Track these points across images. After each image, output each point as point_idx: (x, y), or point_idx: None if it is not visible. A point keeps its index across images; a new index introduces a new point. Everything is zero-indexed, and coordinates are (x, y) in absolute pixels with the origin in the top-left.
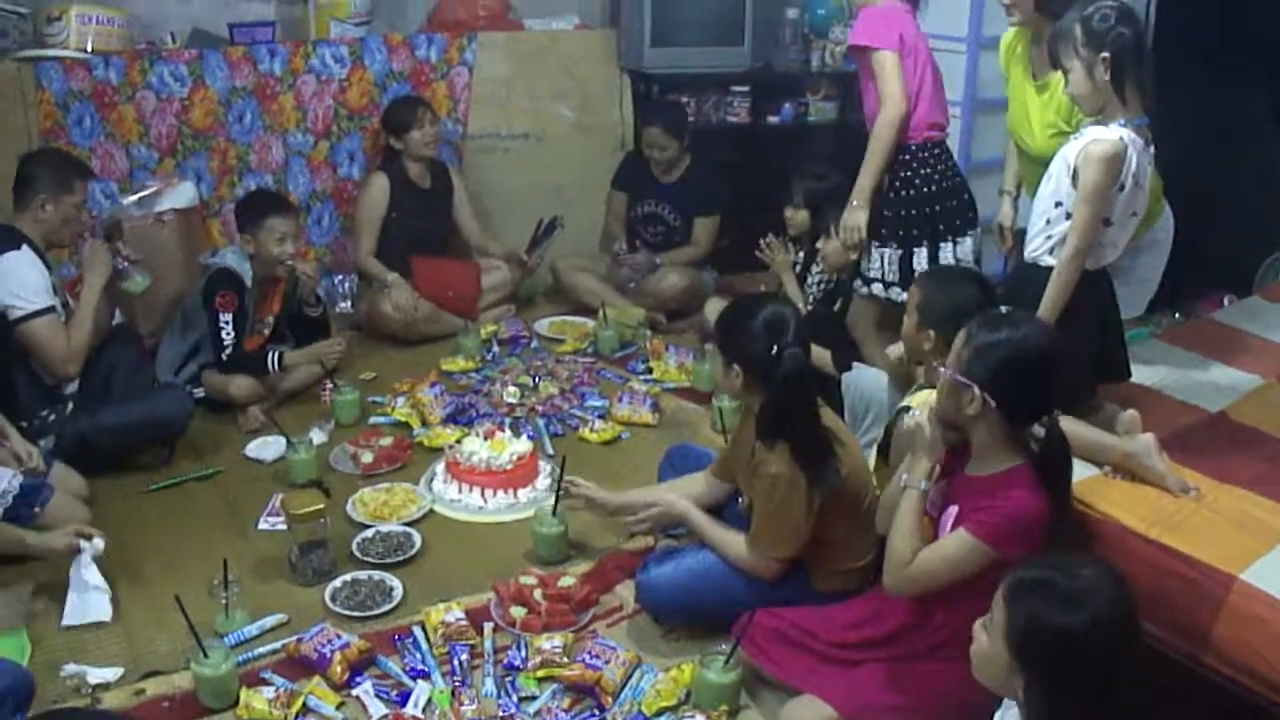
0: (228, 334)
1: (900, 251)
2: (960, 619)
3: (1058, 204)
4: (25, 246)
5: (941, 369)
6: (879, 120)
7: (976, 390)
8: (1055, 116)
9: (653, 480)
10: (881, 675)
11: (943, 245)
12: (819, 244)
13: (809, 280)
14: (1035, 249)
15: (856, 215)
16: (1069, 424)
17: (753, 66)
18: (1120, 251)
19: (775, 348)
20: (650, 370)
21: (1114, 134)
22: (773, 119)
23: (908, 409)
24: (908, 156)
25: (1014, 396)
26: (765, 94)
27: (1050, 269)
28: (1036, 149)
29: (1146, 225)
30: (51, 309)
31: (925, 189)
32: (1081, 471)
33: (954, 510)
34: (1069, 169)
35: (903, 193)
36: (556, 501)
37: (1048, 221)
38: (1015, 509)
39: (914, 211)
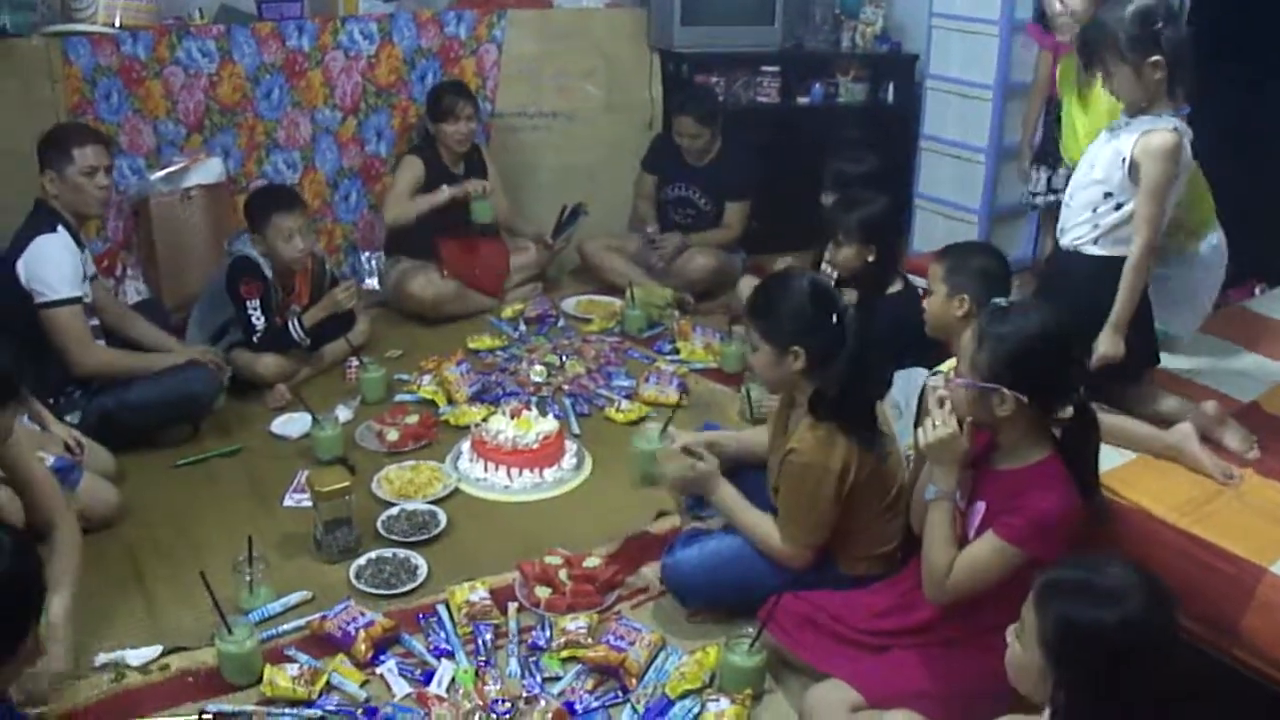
0: (258, 318)
1: (1049, 173)
2: (992, 612)
3: (1107, 194)
4: (61, 228)
5: (957, 381)
6: None
7: (1006, 391)
8: (1097, 121)
9: None
10: (910, 661)
11: None
12: (827, 254)
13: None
14: (1079, 237)
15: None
16: (1110, 418)
17: (783, 46)
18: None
19: (835, 316)
20: (677, 351)
21: (1168, 125)
22: (803, 99)
23: (938, 374)
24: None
25: (1041, 384)
26: (796, 74)
27: (1094, 258)
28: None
29: (1192, 237)
30: (76, 300)
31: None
32: (1113, 459)
33: (982, 506)
34: (1123, 161)
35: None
36: (666, 425)
37: (1094, 210)
38: (1044, 510)
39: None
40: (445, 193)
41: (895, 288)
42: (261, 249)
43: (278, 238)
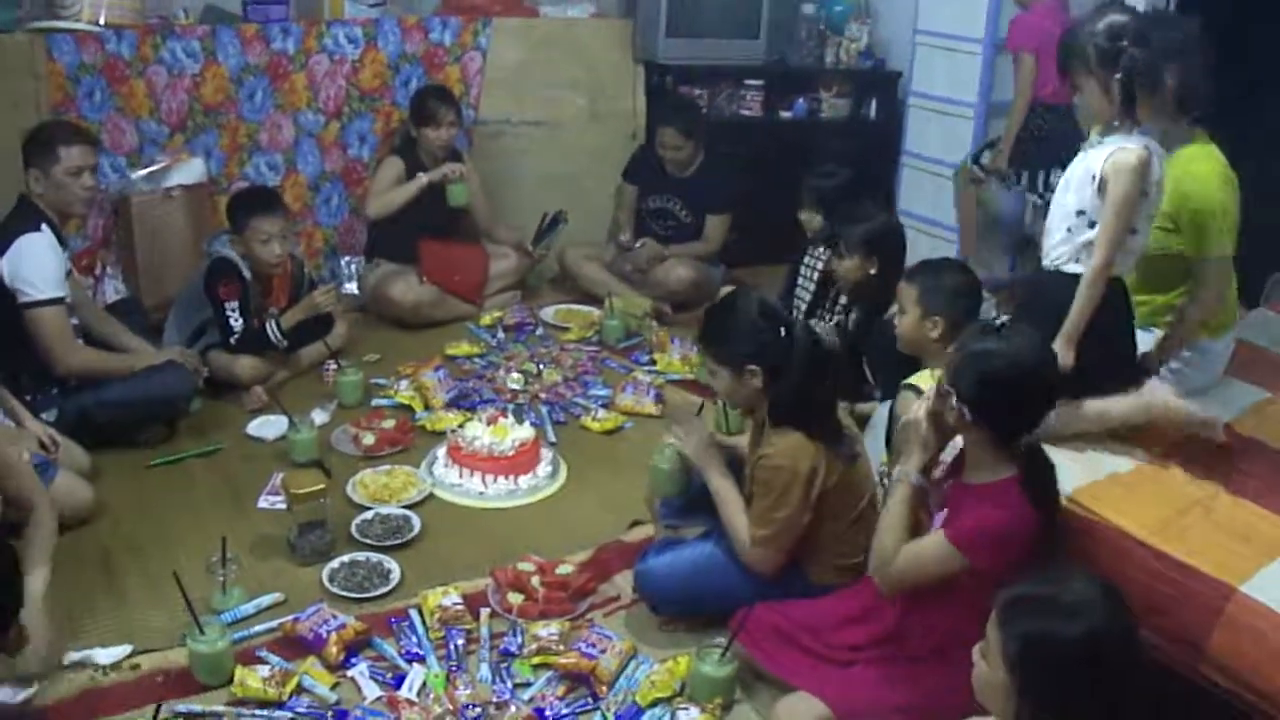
0: (235, 320)
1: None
2: (954, 622)
3: (1080, 212)
4: (45, 227)
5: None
6: None
7: (954, 401)
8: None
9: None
10: (877, 675)
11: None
12: (831, 262)
13: (835, 307)
14: (1058, 256)
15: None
16: (1096, 403)
17: (767, 61)
18: (1136, 258)
19: (783, 330)
20: (654, 361)
21: (1138, 143)
22: (785, 114)
23: (911, 387)
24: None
25: (995, 411)
26: (779, 89)
27: (1074, 276)
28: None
29: (1218, 331)
30: (59, 300)
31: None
32: (1085, 475)
33: (945, 513)
34: (1094, 178)
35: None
36: (700, 409)
37: (1069, 230)
38: (991, 521)
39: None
40: (423, 179)
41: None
42: (241, 250)
43: (254, 240)
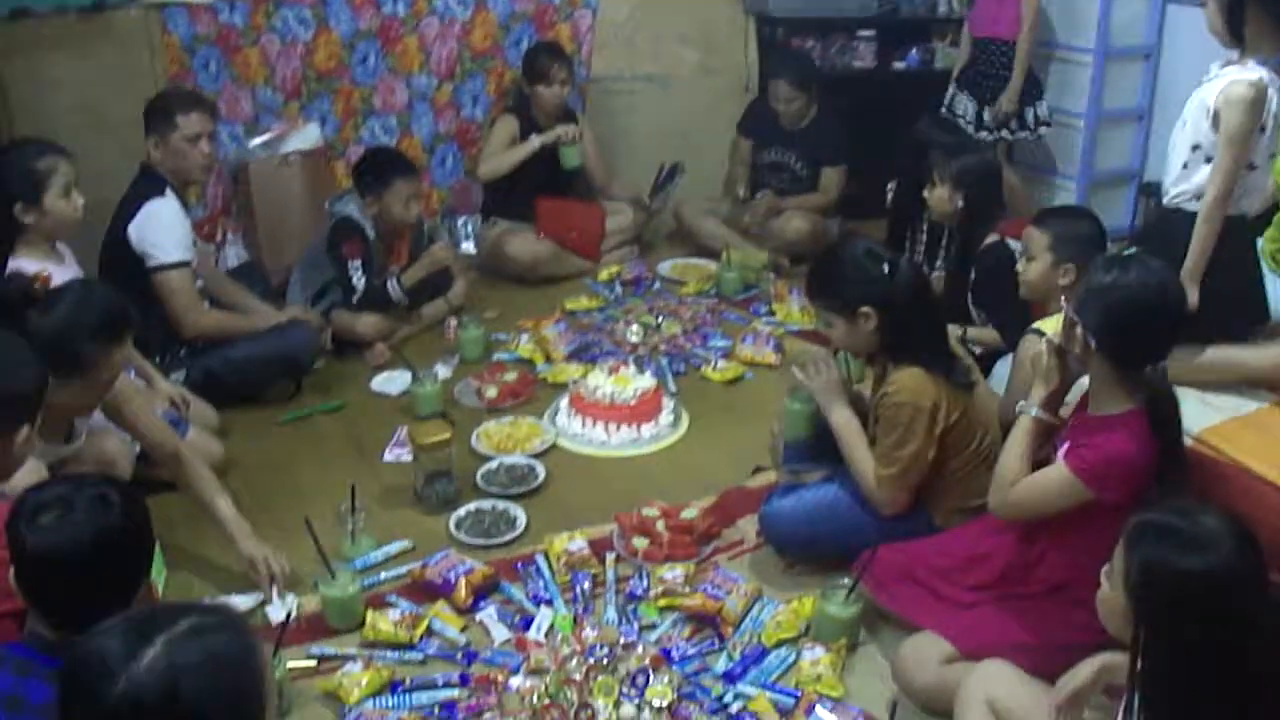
0: (358, 279)
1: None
2: (1070, 560)
3: (1195, 147)
4: (169, 192)
5: (1066, 307)
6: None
7: (1079, 330)
8: None
9: (772, 419)
10: (1001, 613)
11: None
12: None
13: (941, 252)
14: (1178, 194)
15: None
16: (1234, 352)
17: (879, 10)
18: (1263, 195)
19: (888, 267)
20: (773, 312)
21: (1253, 74)
22: (898, 64)
23: (1038, 332)
24: None
25: (1120, 340)
26: (891, 38)
27: (1193, 215)
28: None
29: None
30: (186, 263)
31: None
32: (1212, 416)
33: (1067, 445)
34: (1208, 112)
35: None
36: (836, 352)
37: (1185, 165)
38: (1115, 451)
39: None
40: (535, 141)
41: (991, 238)
42: (374, 210)
43: (395, 202)
